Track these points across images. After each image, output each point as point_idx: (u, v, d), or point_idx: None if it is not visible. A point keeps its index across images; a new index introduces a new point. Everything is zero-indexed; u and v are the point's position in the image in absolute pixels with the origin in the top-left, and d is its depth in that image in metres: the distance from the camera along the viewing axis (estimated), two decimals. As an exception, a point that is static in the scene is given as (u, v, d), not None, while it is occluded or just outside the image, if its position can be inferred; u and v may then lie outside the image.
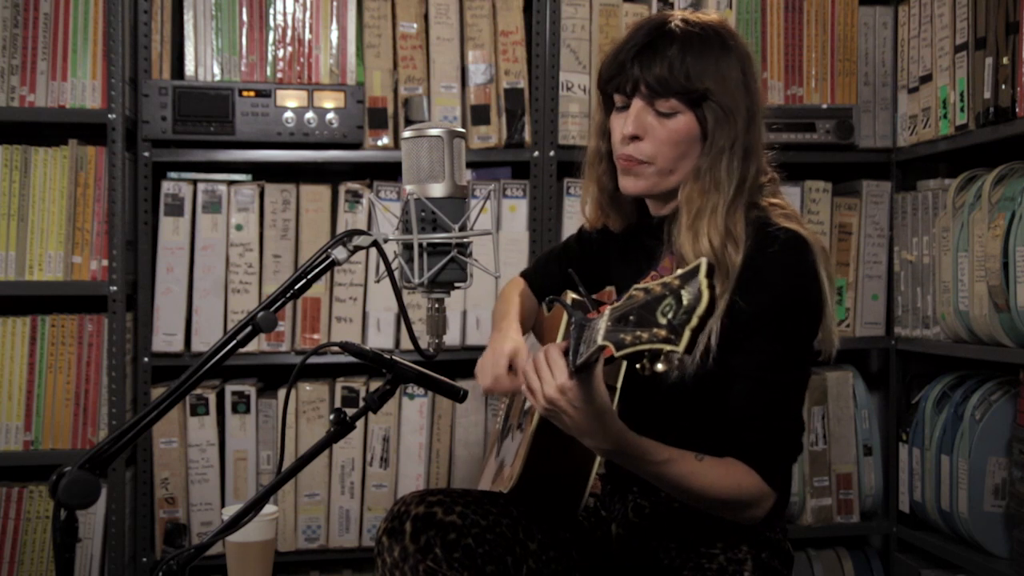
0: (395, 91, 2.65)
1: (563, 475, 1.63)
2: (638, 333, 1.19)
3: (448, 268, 1.49)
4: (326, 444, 1.46)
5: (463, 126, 2.58)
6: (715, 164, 1.58)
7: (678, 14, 1.64)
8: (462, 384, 1.66)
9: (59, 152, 2.52)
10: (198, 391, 2.57)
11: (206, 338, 2.57)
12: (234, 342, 1.39)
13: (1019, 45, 2.28)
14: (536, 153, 2.66)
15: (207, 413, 2.58)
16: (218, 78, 2.60)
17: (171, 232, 2.58)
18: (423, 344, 1.52)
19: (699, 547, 1.65)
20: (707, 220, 1.57)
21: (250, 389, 2.61)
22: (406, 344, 2.62)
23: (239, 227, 2.60)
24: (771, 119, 2.61)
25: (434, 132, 1.50)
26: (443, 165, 1.49)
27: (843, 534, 2.82)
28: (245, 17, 2.60)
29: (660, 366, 1.18)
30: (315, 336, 2.62)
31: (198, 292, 2.58)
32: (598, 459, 1.62)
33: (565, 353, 1.38)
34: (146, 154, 2.56)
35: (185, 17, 2.59)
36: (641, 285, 1.23)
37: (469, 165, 2.43)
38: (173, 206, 2.58)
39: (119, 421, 2.49)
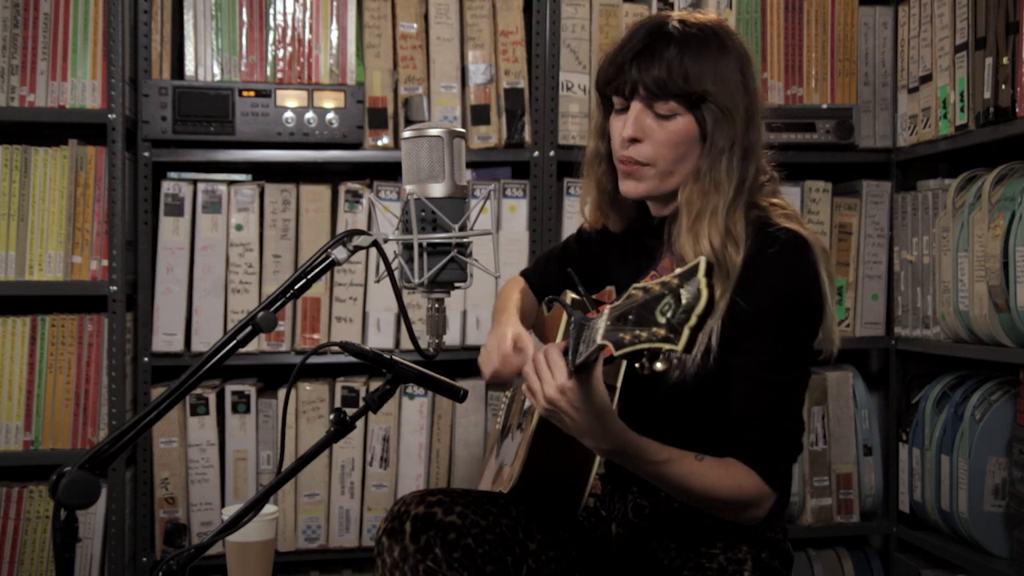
0: (395, 91, 2.66)
1: (563, 475, 1.63)
2: (637, 332, 1.19)
3: (448, 268, 1.49)
4: (326, 444, 1.46)
5: (463, 126, 2.58)
6: (715, 165, 1.58)
7: (676, 15, 1.64)
8: (462, 384, 1.66)
9: (59, 152, 2.52)
10: (198, 391, 2.57)
11: (206, 338, 2.57)
12: (234, 342, 1.39)
13: (1019, 45, 2.28)
14: (536, 153, 2.66)
15: (207, 413, 2.58)
16: (218, 78, 2.60)
17: (171, 232, 2.58)
18: (423, 344, 1.52)
19: (699, 547, 1.65)
20: (707, 222, 1.57)
21: (250, 389, 2.61)
22: (406, 344, 2.62)
23: (239, 227, 2.60)
24: (771, 119, 2.61)
25: (434, 132, 1.50)
26: (443, 165, 1.49)
27: (843, 534, 2.82)
28: (245, 17, 2.60)
29: (659, 365, 1.18)
30: (315, 336, 2.62)
31: (198, 292, 2.58)
32: (598, 459, 1.62)
33: (564, 353, 1.39)
34: (146, 154, 2.56)
35: (185, 17, 2.59)
36: (640, 284, 1.23)
37: (469, 165, 2.43)
38: (173, 206, 2.58)
39: (119, 421, 2.49)
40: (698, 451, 1.54)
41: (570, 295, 1.74)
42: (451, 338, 2.62)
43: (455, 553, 1.53)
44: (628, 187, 1.66)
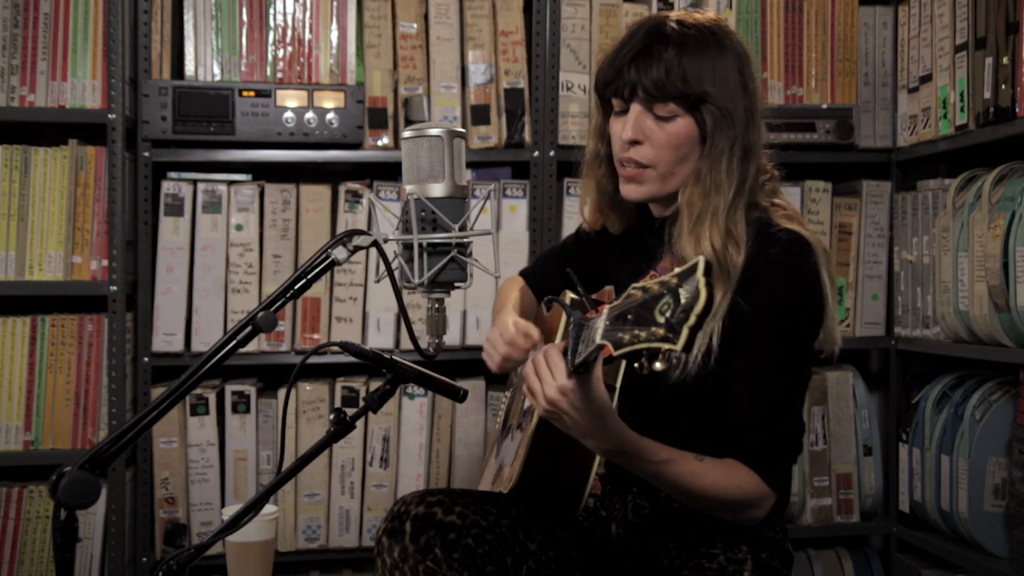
0: (395, 91, 2.66)
1: (563, 475, 1.63)
2: (636, 332, 1.19)
3: (448, 268, 1.49)
4: (326, 444, 1.46)
5: (463, 126, 2.58)
6: (715, 166, 1.58)
7: (674, 15, 1.63)
8: (462, 384, 1.66)
9: (59, 152, 2.52)
10: (198, 391, 2.57)
11: (206, 338, 2.57)
12: (234, 342, 1.39)
13: (1019, 45, 2.28)
14: (536, 153, 2.66)
15: (207, 413, 2.58)
16: (218, 78, 2.60)
17: (171, 232, 2.58)
18: (423, 344, 1.52)
19: (699, 547, 1.65)
20: (708, 223, 1.57)
21: (250, 389, 2.61)
22: (406, 344, 2.62)
23: (239, 227, 2.60)
24: (771, 119, 2.60)
25: (434, 132, 1.50)
26: (443, 165, 1.49)
27: (843, 534, 2.82)
28: (245, 17, 2.60)
29: (658, 365, 1.18)
30: (315, 336, 2.62)
31: (198, 292, 2.58)
32: (598, 459, 1.62)
33: (564, 353, 1.39)
34: (146, 154, 2.56)
35: (185, 17, 2.59)
36: (639, 284, 1.23)
37: (469, 165, 2.43)
38: (173, 206, 2.58)
39: (119, 421, 2.49)
40: (698, 451, 1.54)
41: (569, 295, 1.74)
42: (451, 338, 2.62)
43: (455, 553, 1.53)
44: (629, 191, 1.66)
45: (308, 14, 2.63)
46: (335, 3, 2.64)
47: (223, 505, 2.59)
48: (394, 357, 1.53)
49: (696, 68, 1.56)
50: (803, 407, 1.63)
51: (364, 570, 2.71)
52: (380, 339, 2.63)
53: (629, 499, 1.72)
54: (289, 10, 2.62)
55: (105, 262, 2.51)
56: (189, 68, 2.59)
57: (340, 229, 2.64)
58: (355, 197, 2.64)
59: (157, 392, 2.54)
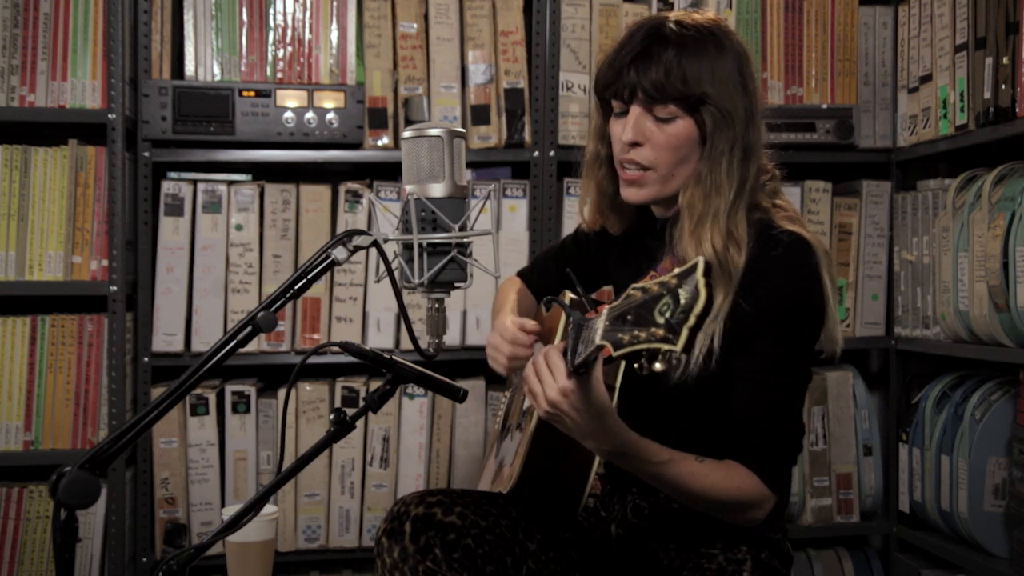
0: (395, 91, 2.66)
1: (562, 475, 1.63)
2: (636, 332, 1.19)
3: (448, 268, 1.49)
4: (326, 444, 1.46)
5: (463, 126, 2.58)
6: (715, 167, 1.58)
7: (673, 16, 1.63)
8: (462, 384, 1.66)
9: (59, 152, 2.52)
10: (198, 391, 2.57)
11: (206, 338, 2.57)
12: (234, 342, 1.39)
13: (1019, 45, 2.28)
14: (536, 153, 2.66)
15: (207, 413, 2.58)
16: (218, 78, 2.60)
17: (171, 232, 2.58)
18: (423, 344, 1.52)
19: (698, 547, 1.65)
20: (709, 225, 1.56)
21: (250, 389, 2.61)
22: (406, 344, 2.62)
23: (239, 227, 2.60)
24: (771, 119, 2.59)
25: (434, 132, 1.50)
26: (443, 165, 1.49)
27: (843, 534, 2.82)
28: (245, 17, 2.60)
29: (658, 365, 1.18)
30: (315, 336, 2.62)
31: (198, 292, 2.58)
32: (597, 459, 1.62)
33: (564, 354, 1.38)
34: (146, 154, 2.56)
35: (185, 17, 2.59)
36: (639, 285, 1.23)
37: (469, 165, 2.43)
38: (173, 206, 2.58)
39: (119, 421, 2.49)
40: (699, 452, 1.54)
41: (568, 295, 1.74)
42: (451, 338, 2.62)
43: (455, 553, 1.53)
44: (630, 194, 1.66)
45: (308, 14, 2.63)
46: (335, 3, 2.64)
47: (223, 505, 2.59)
48: (394, 357, 1.53)
49: (695, 69, 1.56)
50: (803, 408, 1.63)
51: (364, 570, 2.71)
52: (380, 339, 2.63)
53: (629, 499, 1.72)
54: (289, 10, 2.62)
55: (105, 262, 2.51)
56: (189, 68, 2.59)
57: (340, 229, 2.64)
58: (355, 197, 2.64)
59: (157, 392, 2.54)
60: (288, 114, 2.56)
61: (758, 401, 1.56)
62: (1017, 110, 2.28)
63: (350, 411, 1.48)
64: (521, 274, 2.05)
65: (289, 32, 2.62)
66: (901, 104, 2.77)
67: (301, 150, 2.61)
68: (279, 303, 1.42)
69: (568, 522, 1.71)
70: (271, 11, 2.61)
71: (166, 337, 2.57)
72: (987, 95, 2.38)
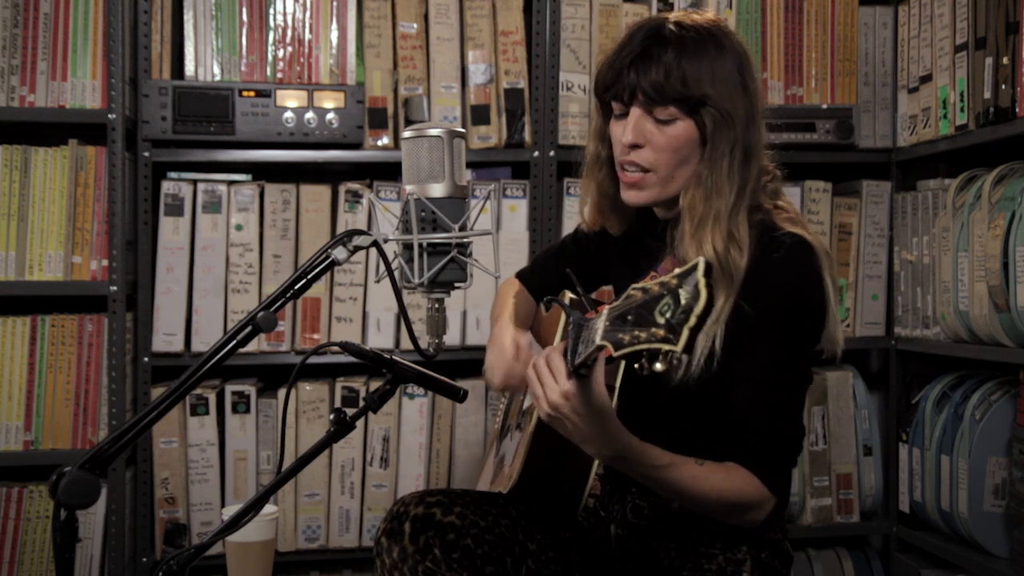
0: (395, 91, 2.66)
1: (562, 475, 1.63)
2: (636, 333, 1.19)
3: (448, 268, 1.49)
4: (326, 444, 1.46)
5: (463, 126, 2.58)
6: (716, 169, 1.58)
7: (673, 16, 1.63)
8: (462, 384, 1.66)
9: (59, 152, 2.52)
10: (198, 391, 2.57)
11: (206, 338, 2.57)
12: (234, 342, 1.39)
13: (1019, 45, 2.28)
14: (536, 153, 2.66)
15: (207, 413, 2.58)
16: (218, 78, 2.60)
17: (171, 232, 2.58)
18: (423, 344, 1.51)
19: (698, 547, 1.65)
20: (710, 226, 1.56)
21: (250, 389, 2.61)
22: (406, 344, 2.62)
23: (239, 227, 2.60)
24: (771, 119, 2.60)
25: (434, 132, 1.50)
26: (443, 165, 1.49)
27: (843, 534, 2.82)
28: (245, 17, 2.60)
29: (658, 366, 1.18)
30: (315, 336, 2.62)
31: (198, 292, 2.58)
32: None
33: (564, 354, 1.38)
34: (146, 154, 2.56)
35: (185, 17, 2.59)
36: (639, 285, 1.23)
37: (469, 165, 2.43)
38: (173, 206, 2.58)
39: (119, 421, 2.49)
40: (699, 453, 1.54)
41: (568, 295, 1.74)
42: (451, 338, 2.62)
43: (454, 554, 1.53)
44: (630, 196, 1.66)
45: (308, 14, 2.63)
46: (335, 3, 2.64)
47: (223, 505, 2.59)
48: (394, 357, 1.53)
49: (695, 70, 1.56)
50: (803, 409, 1.63)
51: (364, 570, 2.71)
52: (380, 339, 2.63)
53: (628, 500, 1.72)
54: (289, 10, 2.62)
55: (105, 262, 2.51)
56: (189, 68, 2.59)
57: (340, 229, 2.64)
58: (355, 197, 2.64)
59: (157, 392, 2.54)
60: (288, 114, 2.56)
61: (758, 402, 1.56)
62: (1017, 110, 2.28)
63: (350, 411, 1.48)
64: (520, 275, 2.05)
65: (289, 32, 2.62)
66: (901, 104, 2.77)
67: (301, 150, 2.61)
68: (279, 303, 1.42)
69: (568, 522, 1.71)
70: (271, 11, 2.61)
71: (166, 337, 2.57)
72: (987, 95, 2.38)
